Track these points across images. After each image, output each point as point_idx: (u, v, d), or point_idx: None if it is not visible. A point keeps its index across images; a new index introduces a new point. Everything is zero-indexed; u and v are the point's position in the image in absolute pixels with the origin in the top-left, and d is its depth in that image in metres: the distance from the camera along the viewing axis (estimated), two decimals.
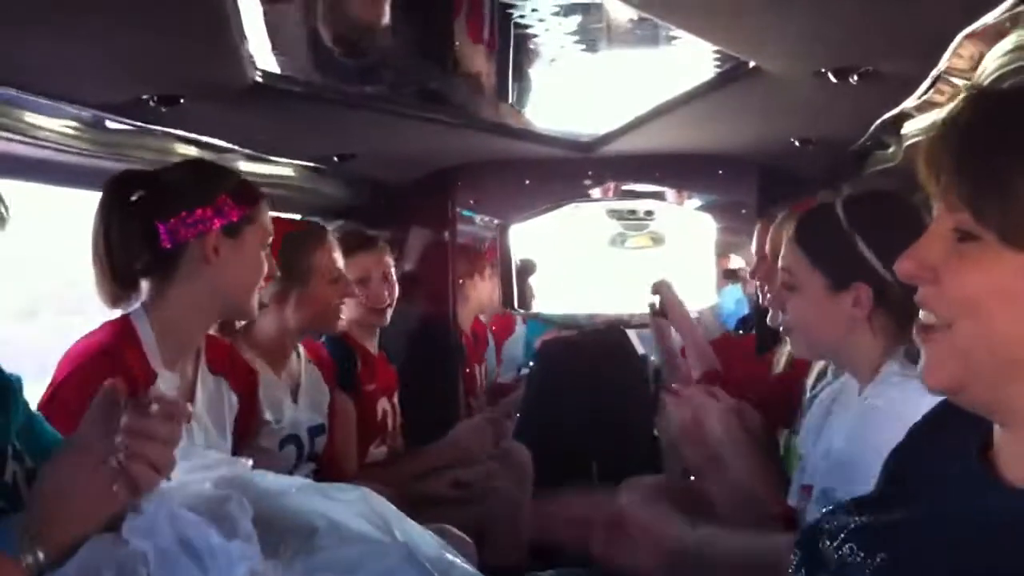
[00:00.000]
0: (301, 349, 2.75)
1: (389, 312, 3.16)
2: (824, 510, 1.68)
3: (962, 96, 1.08)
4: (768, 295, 2.67)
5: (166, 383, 1.99)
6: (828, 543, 1.17)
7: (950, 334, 1.00)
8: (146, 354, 1.99)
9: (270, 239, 2.12)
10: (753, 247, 3.09)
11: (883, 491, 1.23)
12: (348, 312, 3.05)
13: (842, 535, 1.16)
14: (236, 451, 2.23)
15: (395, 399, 3.23)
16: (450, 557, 1.55)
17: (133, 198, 1.99)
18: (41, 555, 1.29)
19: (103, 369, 1.83)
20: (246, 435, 2.38)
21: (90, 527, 1.34)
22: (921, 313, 1.04)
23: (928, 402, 1.62)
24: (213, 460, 1.55)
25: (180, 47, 1.71)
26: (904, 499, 1.16)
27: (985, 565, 0.94)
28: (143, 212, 1.99)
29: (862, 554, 1.10)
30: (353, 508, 1.51)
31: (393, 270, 3.18)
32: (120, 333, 1.99)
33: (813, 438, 2.06)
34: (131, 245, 1.98)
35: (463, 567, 1.55)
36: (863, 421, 1.76)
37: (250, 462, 1.64)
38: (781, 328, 2.19)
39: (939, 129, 1.05)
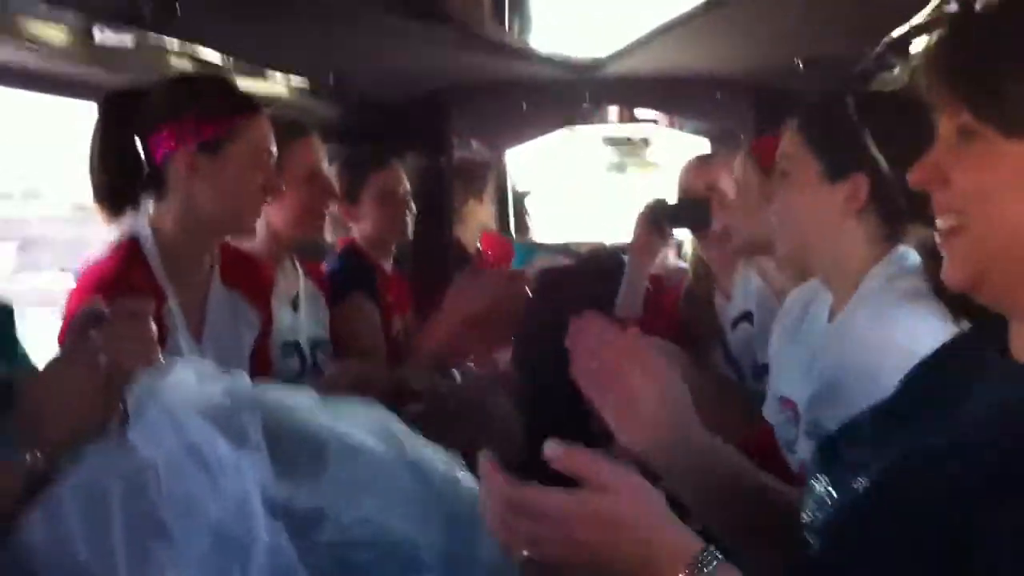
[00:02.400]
0: (297, 263, 2.70)
1: (408, 229, 3.14)
2: (814, 437, 1.69)
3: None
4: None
5: (174, 301, 1.99)
6: (844, 446, 1.21)
7: (967, 231, 1.04)
8: (154, 273, 1.98)
9: (267, 155, 2.07)
10: None
11: (899, 399, 1.24)
12: (364, 231, 3.07)
13: (861, 437, 1.20)
14: (254, 374, 2.17)
15: (409, 316, 3.20)
16: (458, 474, 1.53)
17: (119, 115, 1.98)
18: (40, 456, 1.35)
19: (111, 295, 1.74)
20: (264, 355, 2.32)
21: (86, 428, 1.39)
22: (938, 220, 1.07)
23: (924, 328, 1.64)
24: (214, 371, 1.52)
25: None
26: (919, 403, 1.19)
27: (988, 432, 0.98)
28: (127, 130, 1.98)
29: (872, 450, 1.14)
30: (363, 424, 1.49)
31: (408, 187, 3.15)
32: (125, 257, 1.99)
33: (785, 346, 2.02)
34: (115, 164, 1.99)
35: (470, 484, 1.54)
36: (856, 348, 1.70)
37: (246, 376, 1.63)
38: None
39: (933, 40, 1.11)
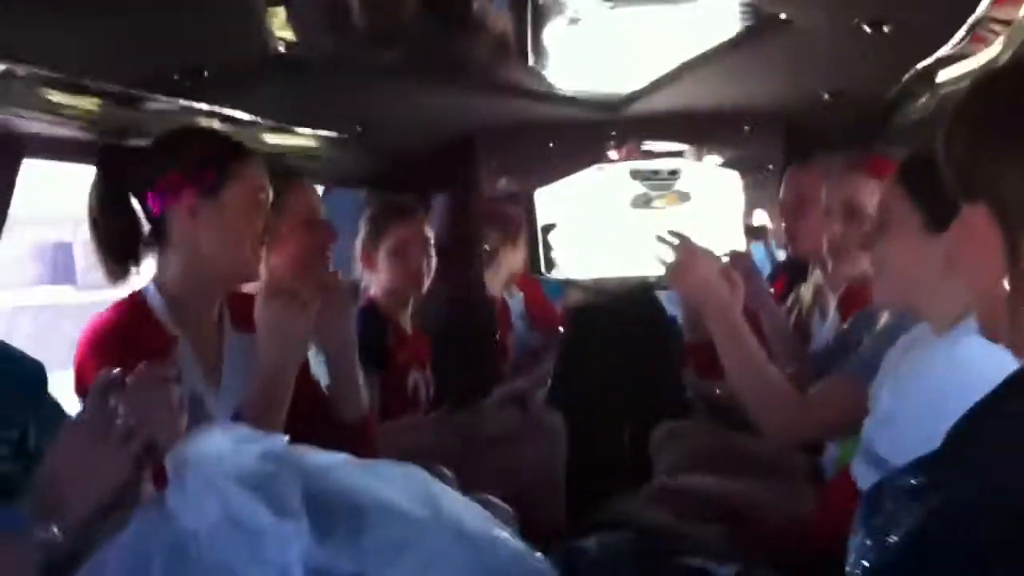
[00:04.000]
0: None
1: (426, 282, 3.15)
2: (867, 463, 1.67)
3: None
4: (798, 240, 2.67)
5: (186, 348, 2.02)
6: (892, 496, 1.18)
7: None
8: (159, 322, 2.03)
9: (263, 195, 2.09)
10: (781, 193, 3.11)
11: (942, 451, 1.23)
12: (381, 282, 3.08)
13: (901, 490, 1.17)
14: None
15: (428, 372, 3.20)
16: (496, 532, 1.53)
17: (116, 174, 2.05)
18: (56, 530, 1.33)
19: (116, 347, 1.91)
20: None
21: (102, 498, 1.39)
22: None
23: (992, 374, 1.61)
24: (248, 434, 1.52)
25: (201, 20, 1.68)
26: (963, 455, 1.16)
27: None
28: (124, 187, 2.05)
29: (915, 503, 1.11)
30: (399, 485, 1.49)
31: (432, 238, 3.17)
32: (129, 308, 2.04)
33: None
34: (116, 222, 2.05)
35: (508, 542, 1.54)
36: (917, 380, 1.70)
37: (286, 437, 1.63)
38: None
39: None
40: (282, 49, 2.01)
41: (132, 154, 2.05)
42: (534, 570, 1.54)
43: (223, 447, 1.49)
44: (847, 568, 1.21)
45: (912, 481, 1.19)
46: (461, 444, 2.97)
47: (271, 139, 2.68)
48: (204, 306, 2.11)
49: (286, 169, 2.64)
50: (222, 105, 2.27)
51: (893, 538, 1.08)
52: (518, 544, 1.55)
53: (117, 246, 2.05)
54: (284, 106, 2.52)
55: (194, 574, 1.35)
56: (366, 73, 2.47)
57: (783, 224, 3.15)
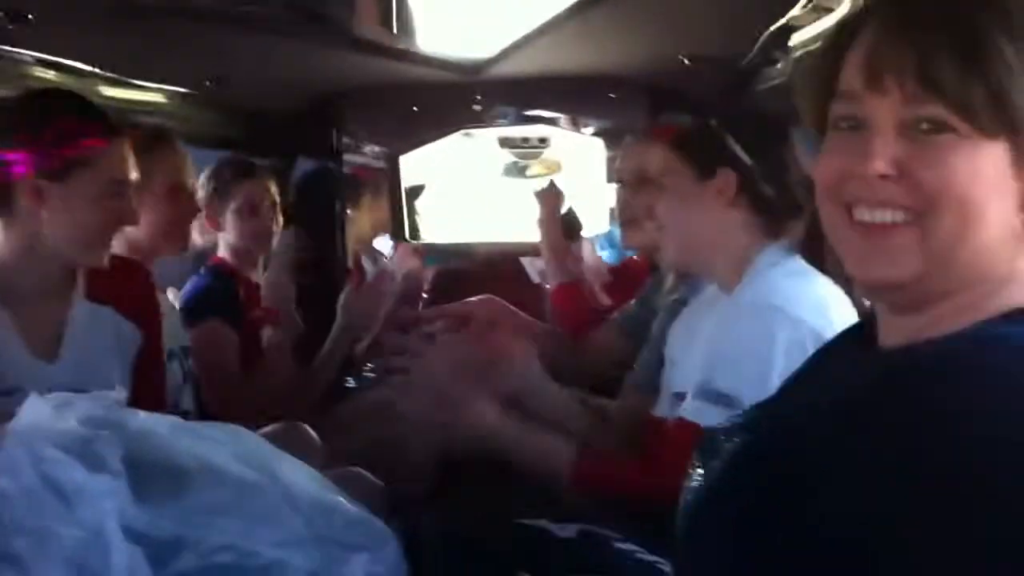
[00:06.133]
0: None
1: (273, 240, 3.12)
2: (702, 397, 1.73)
3: None
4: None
5: (4, 318, 1.90)
6: (722, 438, 1.19)
7: (919, 228, 0.98)
8: None
9: (121, 184, 1.96)
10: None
11: (775, 397, 1.24)
12: (229, 240, 3.05)
13: (733, 429, 1.18)
14: (139, 386, 2.11)
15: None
16: (332, 497, 1.49)
17: None
18: None
19: None
20: (152, 367, 2.24)
21: None
22: (874, 214, 1.01)
23: (816, 292, 1.80)
24: (72, 398, 1.46)
25: None
26: (779, 401, 1.20)
27: (845, 412, 0.96)
28: None
29: (742, 434, 1.14)
30: (226, 448, 1.44)
31: (278, 199, 3.14)
32: None
33: (684, 343, 2.05)
34: None
35: (347, 508, 1.50)
36: (747, 318, 1.81)
37: (124, 393, 1.57)
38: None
39: (884, 15, 1.01)
40: None
41: None
42: (374, 534, 1.50)
43: (41, 412, 1.43)
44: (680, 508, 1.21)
45: (738, 423, 1.21)
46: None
47: (112, 92, 2.56)
48: (41, 280, 1.98)
49: (155, 130, 2.56)
50: (54, 54, 2.15)
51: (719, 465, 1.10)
52: (356, 510, 1.52)
53: None
54: (124, 57, 2.40)
55: (9, 536, 1.30)
56: (219, 25, 2.37)
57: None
